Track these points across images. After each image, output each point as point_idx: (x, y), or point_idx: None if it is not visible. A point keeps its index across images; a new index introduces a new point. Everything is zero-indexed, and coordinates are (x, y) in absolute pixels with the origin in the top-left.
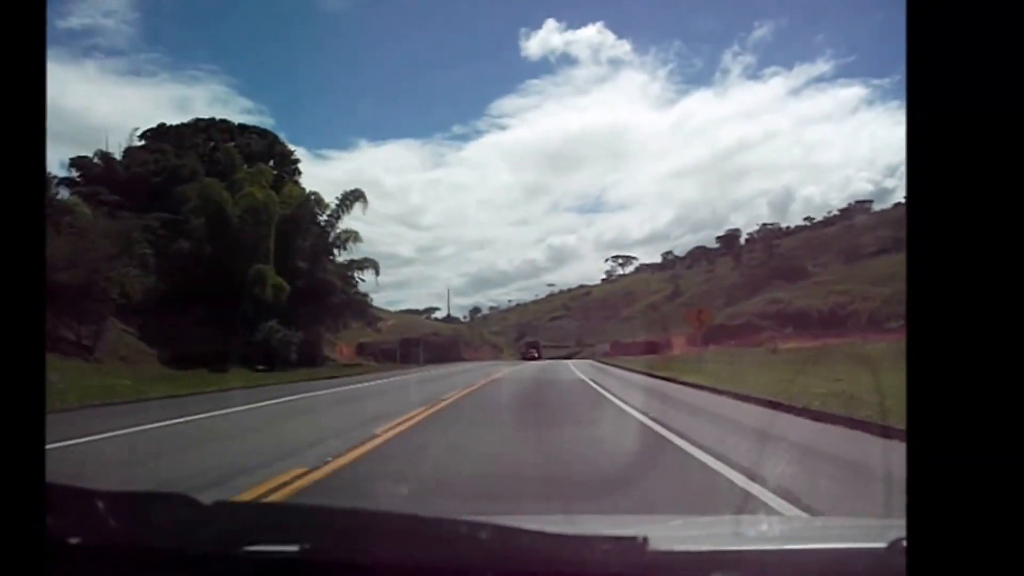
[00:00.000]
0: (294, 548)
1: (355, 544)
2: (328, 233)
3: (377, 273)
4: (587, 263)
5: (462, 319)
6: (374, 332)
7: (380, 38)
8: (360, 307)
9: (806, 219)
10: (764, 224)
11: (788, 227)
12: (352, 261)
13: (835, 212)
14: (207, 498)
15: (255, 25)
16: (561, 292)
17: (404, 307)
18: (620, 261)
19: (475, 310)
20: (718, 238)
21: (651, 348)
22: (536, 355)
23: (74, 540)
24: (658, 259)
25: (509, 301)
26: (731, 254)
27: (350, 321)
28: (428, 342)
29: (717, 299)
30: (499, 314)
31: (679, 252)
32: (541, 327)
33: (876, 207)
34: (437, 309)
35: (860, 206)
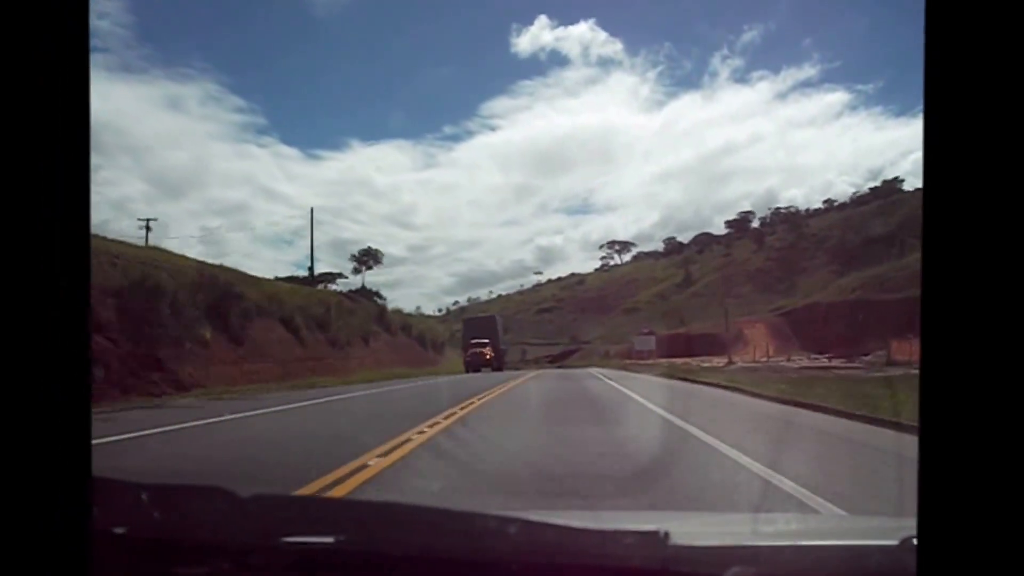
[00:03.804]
0: (329, 540)
1: (387, 536)
2: None
3: None
4: (574, 263)
5: (437, 312)
6: None
7: (373, 38)
8: None
9: (825, 202)
10: (777, 208)
11: (808, 209)
12: None
13: (865, 191)
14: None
15: (249, 25)
16: (550, 281)
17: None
18: (617, 248)
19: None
20: (727, 222)
21: (715, 345)
22: (487, 357)
23: (119, 530)
24: (659, 247)
25: (490, 292)
26: (748, 237)
27: None
28: None
29: (742, 284)
30: (479, 306)
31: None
32: (527, 321)
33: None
34: (342, 276)
35: (890, 184)
